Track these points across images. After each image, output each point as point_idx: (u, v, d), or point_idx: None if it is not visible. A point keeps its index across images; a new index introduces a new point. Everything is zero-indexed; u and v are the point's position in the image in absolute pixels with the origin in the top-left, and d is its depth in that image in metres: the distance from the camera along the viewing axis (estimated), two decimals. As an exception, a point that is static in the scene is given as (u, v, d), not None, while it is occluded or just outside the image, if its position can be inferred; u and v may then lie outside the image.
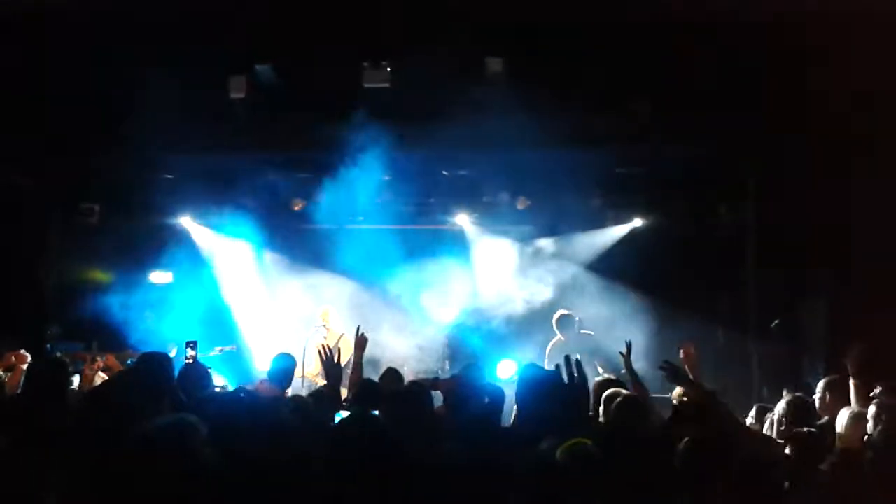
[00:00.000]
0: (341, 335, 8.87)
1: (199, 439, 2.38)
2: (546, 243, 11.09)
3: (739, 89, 8.02)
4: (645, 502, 2.89)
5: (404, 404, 4.16)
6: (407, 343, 10.69)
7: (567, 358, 3.11)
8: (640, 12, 7.47)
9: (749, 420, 5.34)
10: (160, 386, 4.51)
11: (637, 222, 10.73)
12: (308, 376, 8.37)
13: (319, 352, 4.56)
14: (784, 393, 5.50)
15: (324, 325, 8.93)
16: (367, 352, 9.48)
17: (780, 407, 4.53)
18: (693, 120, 8.35)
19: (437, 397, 5.23)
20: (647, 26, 7.51)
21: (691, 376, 4.81)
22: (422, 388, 4.67)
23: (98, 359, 8.13)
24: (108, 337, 9.89)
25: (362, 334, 5.58)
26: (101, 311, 10.20)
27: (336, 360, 4.52)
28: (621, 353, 5.69)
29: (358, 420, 3.22)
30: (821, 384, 5.49)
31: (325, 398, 4.77)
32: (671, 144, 8.71)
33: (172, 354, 7.20)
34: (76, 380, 6.22)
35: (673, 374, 4.66)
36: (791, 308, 8.96)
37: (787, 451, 4.28)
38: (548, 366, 8.50)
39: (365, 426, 3.04)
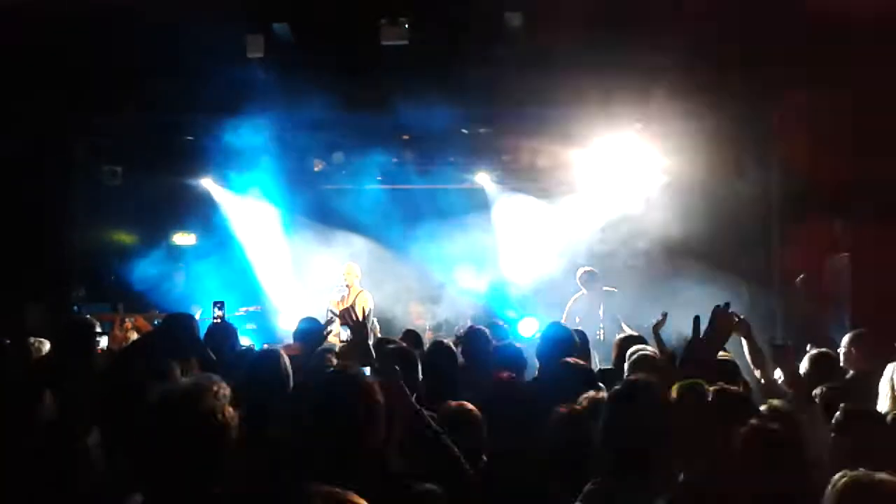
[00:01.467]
0: (360, 291, 8.94)
1: (221, 398, 2.38)
2: (568, 202, 11.02)
3: (761, 43, 7.86)
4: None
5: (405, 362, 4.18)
6: (426, 303, 10.74)
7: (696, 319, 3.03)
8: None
9: (776, 375, 5.31)
10: (186, 345, 4.58)
11: (661, 179, 10.60)
12: (332, 339, 8.38)
13: (342, 316, 4.52)
14: (807, 349, 5.47)
15: (346, 284, 8.96)
16: (388, 312, 9.60)
17: (805, 363, 4.51)
18: (716, 75, 8.21)
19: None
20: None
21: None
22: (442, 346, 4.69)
23: (127, 320, 8.27)
24: (133, 298, 10.02)
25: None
26: (126, 272, 10.33)
27: (360, 318, 4.47)
28: (654, 323, 5.73)
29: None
30: (846, 338, 5.47)
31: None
32: (692, 99, 8.57)
33: (197, 316, 7.28)
34: (104, 340, 6.31)
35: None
36: (816, 263, 8.88)
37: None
38: (566, 320, 8.54)
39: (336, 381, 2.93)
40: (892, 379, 4.53)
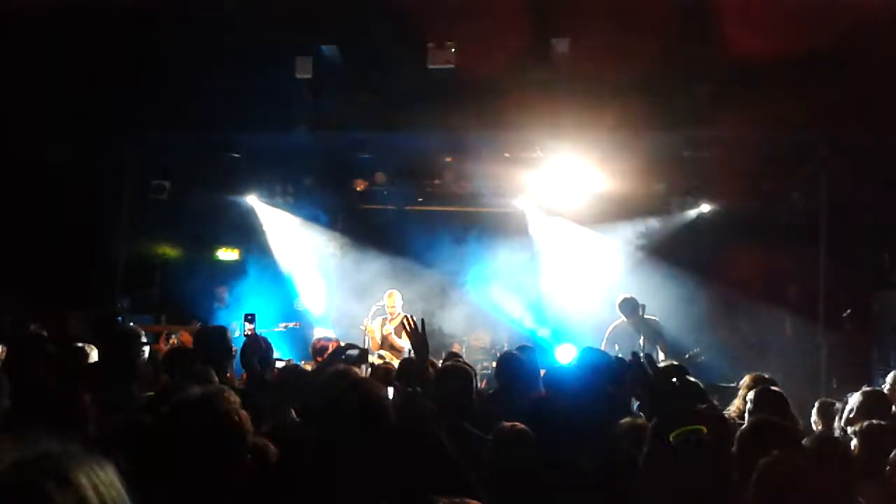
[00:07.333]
0: (403, 317, 8.93)
1: (231, 406, 2.50)
2: (610, 228, 10.96)
3: (812, 73, 7.78)
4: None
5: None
6: (465, 325, 10.70)
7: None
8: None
9: (812, 417, 5.20)
10: (217, 358, 4.62)
11: (704, 208, 10.51)
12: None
13: (404, 324, 4.47)
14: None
15: (389, 310, 8.97)
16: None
17: (856, 398, 4.43)
18: (765, 104, 8.13)
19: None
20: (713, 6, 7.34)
21: None
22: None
23: (173, 336, 8.38)
24: (176, 311, 10.16)
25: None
26: (170, 285, 10.48)
27: (421, 330, 4.38)
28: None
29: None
30: (891, 376, 5.36)
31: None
32: (741, 128, 8.49)
33: (236, 334, 7.35)
34: (146, 351, 6.39)
35: None
36: (862, 298, 8.70)
37: (856, 443, 4.17)
38: (605, 347, 8.44)
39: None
40: None
